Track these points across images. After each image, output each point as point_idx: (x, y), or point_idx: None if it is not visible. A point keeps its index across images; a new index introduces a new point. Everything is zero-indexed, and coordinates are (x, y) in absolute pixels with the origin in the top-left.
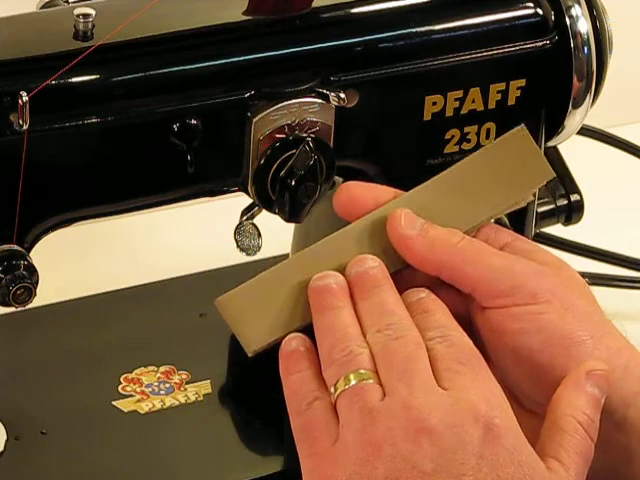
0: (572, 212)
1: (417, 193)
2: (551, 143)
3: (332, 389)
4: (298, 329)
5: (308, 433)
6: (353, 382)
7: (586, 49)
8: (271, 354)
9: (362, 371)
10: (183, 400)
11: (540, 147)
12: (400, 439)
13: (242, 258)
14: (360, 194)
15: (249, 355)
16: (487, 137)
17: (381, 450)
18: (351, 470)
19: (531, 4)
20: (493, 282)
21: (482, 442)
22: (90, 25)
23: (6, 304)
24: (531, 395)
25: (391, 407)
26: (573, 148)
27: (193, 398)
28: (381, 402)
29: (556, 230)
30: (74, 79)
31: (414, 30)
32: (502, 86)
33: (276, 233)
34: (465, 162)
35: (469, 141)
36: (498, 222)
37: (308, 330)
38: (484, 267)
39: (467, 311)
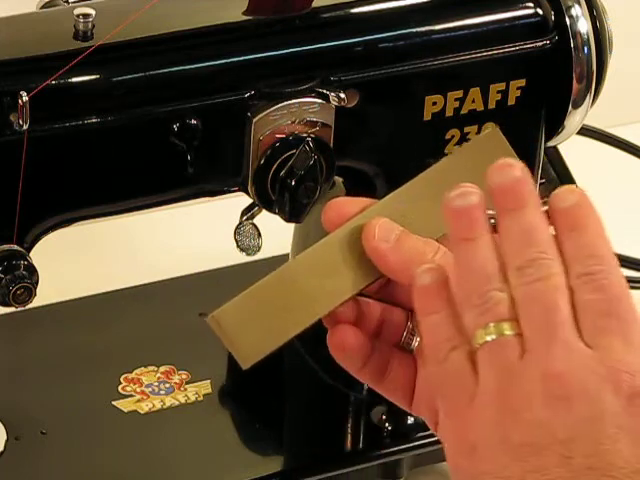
0: None
1: (395, 197)
2: (551, 143)
3: (472, 339)
4: (291, 338)
5: (447, 388)
6: (493, 335)
7: (586, 49)
8: (272, 353)
9: (502, 322)
10: (183, 400)
11: (540, 147)
12: (537, 404)
13: (242, 258)
14: (348, 209)
15: (244, 368)
16: None
17: (517, 414)
18: (488, 432)
19: (531, 4)
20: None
21: (623, 412)
22: (90, 25)
23: (6, 304)
24: None
25: (529, 369)
26: (573, 148)
27: (193, 398)
28: (520, 361)
29: None
30: (74, 79)
31: (414, 30)
32: (502, 86)
33: (276, 233)
34: (441, 164)
35: (469, 141)
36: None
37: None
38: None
39: None
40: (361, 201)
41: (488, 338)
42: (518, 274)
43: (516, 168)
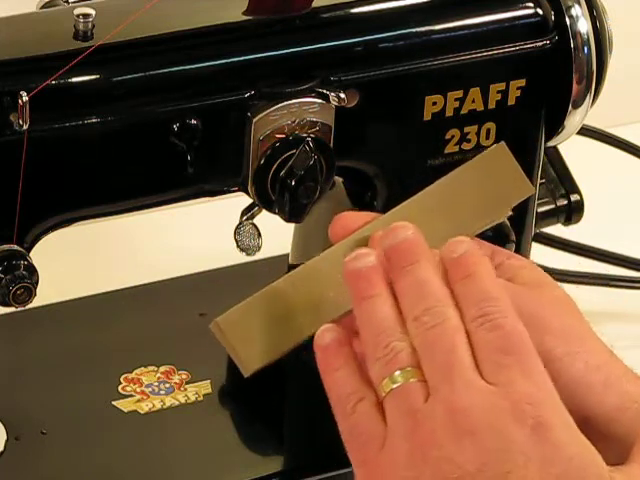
0: (572, 212)
1: (400, 211)
2: (551, 143)
3: (379, 389)
4: (294, 347)
5: (356, 438)
6: (397, 382)
7: (586, 49)
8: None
9: (406, 369)
10: (183, 400)
11: (540, 147)
12: (445, 441)
13: (242, 258)
14: (353, 222)
15: (245, 375)
16: (487, 137)
17: (427, 454)
18: (400, 475)
19: (531, 4)
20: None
21: (528, 440)
22: (90, 25)
23: (6, 304)
24: None
25: (434, 409)
26: (573, 148)
27: (193, 398)
28: (425, 404)
29: (556, 230)
30: (74, 79)
31: (414, 30)
32: (502, 86)
33: (276, 233)
34: (446, 179)
35: (469, 141)
36: (498, 225)
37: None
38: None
39: None
40: (366, 215)
41: (394, 386)
42: (416, 324)
43: (407, 228)
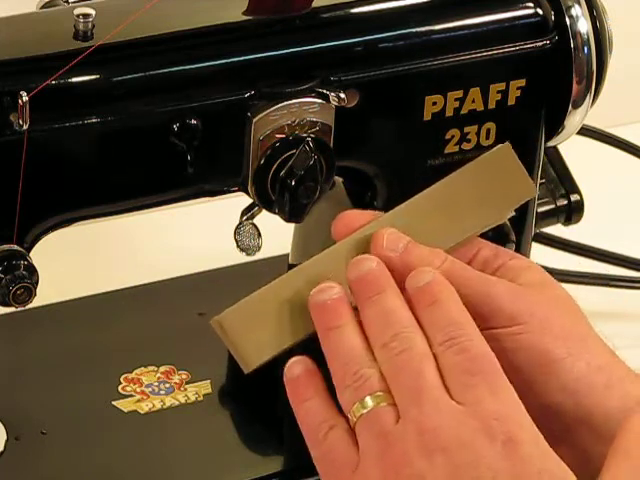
0: (572, 212)
1: (402, 210)
2: (551, 143)
3: (349, 415)
4: (293, 345)
5: (329, 464)
6: (368, 407)
7: (586, 49)
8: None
9: (376, 394)
10: (183, 400)
11: (540, 147)
12: (416, 459)
13: (242, 258)
14: (356, 221)
15: (246, 372)
16: (487, 137)
17: (400, 472)
18: None
19: (531, 4)
20: (471, 307)
21: (497, 456)
22: (90, 25)
23: (6, 304)
24: None
25: (405, 430)
26: (573, 148)
27: (193, 398)
28: (396, 426)
29: (556, 230)
30: (74, 79)
31: (414, 30)
32: (502, 86)
33: (276, 233)
34: (449, 178)
35: (469, 141)
36: (499, 225)
37: (306, 340)
38: (462, 292)
39: None
40: (369, 213)
41: (364, 411)
42: (384, 351)
43: (371, 260)
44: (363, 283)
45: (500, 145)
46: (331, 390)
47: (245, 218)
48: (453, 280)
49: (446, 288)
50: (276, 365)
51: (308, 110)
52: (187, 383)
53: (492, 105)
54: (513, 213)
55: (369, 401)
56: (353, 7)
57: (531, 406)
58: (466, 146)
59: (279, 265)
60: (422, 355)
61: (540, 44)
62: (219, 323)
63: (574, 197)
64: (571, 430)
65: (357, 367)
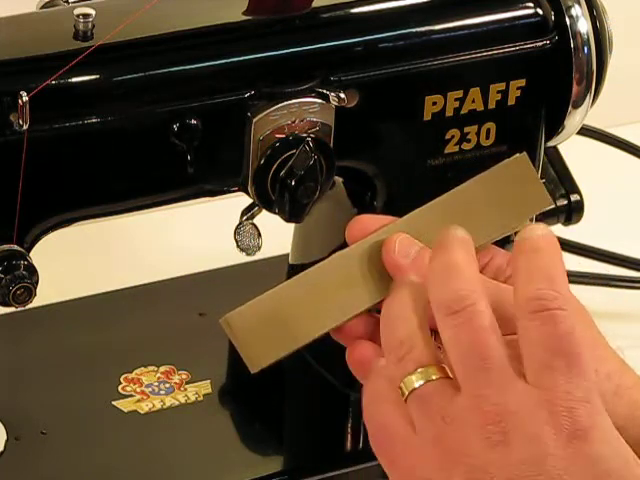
0: (572, 212)
1: (416, 216)
2: (551, 143)
3: (402, 386)
4: (302, 346)
5: (384, 440)
6: (420, 381)
7: (586, 49)
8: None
9: (428, 367)
10: (183, 400)
11: (540, 147)
12: (476, 450)
13: (242, 258)
14: (371, 225)
15: (252, 372)
16: (487, 137)
17: (458, 460)
18: (428, 476)
19: (531, 4)
20: None
21: (564, 453)
22: (90, 25)
23: (6, 304)
24: None
25: (464, 412)
26: (573, 148)
27: (193, 398)
28: (453, 405)
29: (556, 230)
30: (74, 79)
31: (414, 30)
32: (502, 86)
33: (276, 233)
34: (464, 186)
35: (469, 141)
36: None
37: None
38: None
39: None
40: (383, 218)
41: (416, 385)
42: (445, 319)
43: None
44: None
45: (517, 155)
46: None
47: (245, 218)
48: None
49: (555, 245)
50: (276, 366)
51: (308, 110)
52: (187, 383)
53: (492, 105)
54: (528, 223)
55: (421, 374)
56: (353, 7)
57: None
58: (466, 146)
59: (279, 265)
60: (486, 325)
61: (540, 44)
62: (227, 322)
63: (574, 197)
64: None
65: (410, 337)
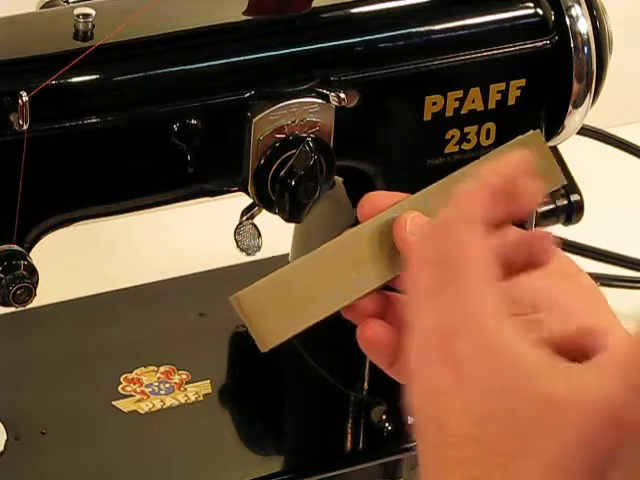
0: (572, 212)
1: (428, 193)
2: (551, 143)
3: None
4: (313, 324)
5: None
6: None
7: (586, 49)
8: (272, 353)
9: None
10: (183, 400)
11: None
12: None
13: (242, 258)
14: (383, 202)
15: (262, 350)
16: (487, 137)
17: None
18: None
19: (531, 4)
20: None
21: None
22: (90, 25)
23: (6, 304)
24: None
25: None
26: (573, 148)
27: (193, 398)
28: None
29: (556, 230)
30: (74, 79)
31: (414, 30)
32: (502, 86)
33: (276, 233)
34: (477, 163)
35: (469, 141)
36: None
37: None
38: None
39: None
40: (396, 195)
41: None
42: None
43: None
44: None
45: (531, 131)
46: None
47: (245, 218)
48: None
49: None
50: (276, 366)
51: (308, 110)
52: (187, 383)
53: (492, 105)
54: (542, 200)
55: None
56: (353, 7)
57: None
58: (466, 146)
59: (279, 265)
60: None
61: (540, 44)
62: (238, 300)
63: (574, 197)
64: None
65: None
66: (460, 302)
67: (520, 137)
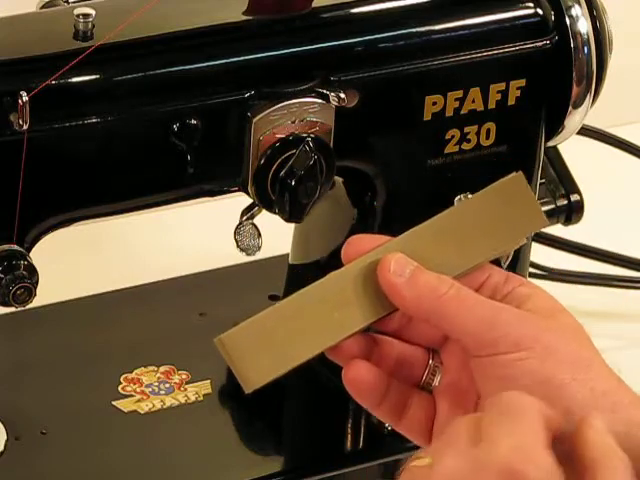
0: (572, 212)
1: (412, 235)
2: (551, 143)
3: None
4: (296, 367)
5: None
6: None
7: (586, 49)
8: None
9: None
10: (183, 400)
11: (540, 147)
12: None
13: (242, 258)
14: (367, 245)
15: (246, 392)
16: (487, 137)
17: None
18: None
19: (531, 4)
20: (477, 333)
21: None
22: (90, 25)
23: (6, 304)
24: None
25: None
26: (573, 148)
27: (193, 398)
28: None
29: (556, 230)
30: (74, 79)
31: (414, 30)
32: (502, 86)
33: (276, 233)
34: (460, 205)
35: (469, 141)
36: None
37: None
38: (469, 319)
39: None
40: (379, 238)
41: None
42: None
43: None
44: None
45: (513, 174)
46: None
47: (245, 218)
48: (459, 306)
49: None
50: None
51: (308, 110)
52: (187, 383)
53: (492, 105)
54: (524, 241)
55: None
56: (353, 7)
57: None
58: (466, 146)
59: (279, 265)
60: None
61: (540, 44)
62: (222, 343)
63: (574, 197)
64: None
65: None
66: None
67: (502, 180)
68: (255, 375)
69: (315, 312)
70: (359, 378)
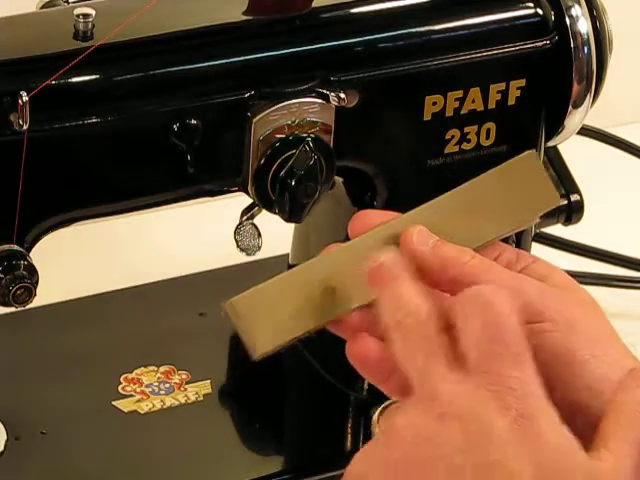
0: (572, 212)
1: (424, 210)
2: (551, 143)
3: None
4: (305, 334)
5: None
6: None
7: (586, 49)
8: (272, 353)
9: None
10: (183, 400)
11: (540, 147)
12: (432, 425)
13: (242, 258)
14: (374, 220)
15: (254, 358)
16: (487, 137)
17: (404, 437)
18: (376, 466)
19: (531, 4)
20: None
21: (509, 428)
22: (90, 25)
23: (6, 304)
24: None
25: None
26: (573, 148)
27: (193, 398)
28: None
29: (556, 230)
30: (74, 79)
31: (414, 30)
32: (502, 86)
33: (276, 233)
34: (473, 182)
35: (469, 141)
36: None
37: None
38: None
39: None
40: (387, 213)
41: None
42: (393, 330)
43: (387, 252)
44: (376, 272)
45: (526, 152)
46: None
47: (245, 218)
48: (485, 272)
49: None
50: (276, 366)
51: (308, 110)
52: (187, 383)
53: (492, 105)
54: (537, 220)
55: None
56: (353, 7)
57: (557, 400)
58: (466, 146)
59: (279, 265)
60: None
61: (540, 44)
62: (232, 306)
63: (574, 197)
64: (596, 427)
65: None
66: None
67: (515, 158)
68: (263, 341)
69: (325, 282)
70: (364, 352)
